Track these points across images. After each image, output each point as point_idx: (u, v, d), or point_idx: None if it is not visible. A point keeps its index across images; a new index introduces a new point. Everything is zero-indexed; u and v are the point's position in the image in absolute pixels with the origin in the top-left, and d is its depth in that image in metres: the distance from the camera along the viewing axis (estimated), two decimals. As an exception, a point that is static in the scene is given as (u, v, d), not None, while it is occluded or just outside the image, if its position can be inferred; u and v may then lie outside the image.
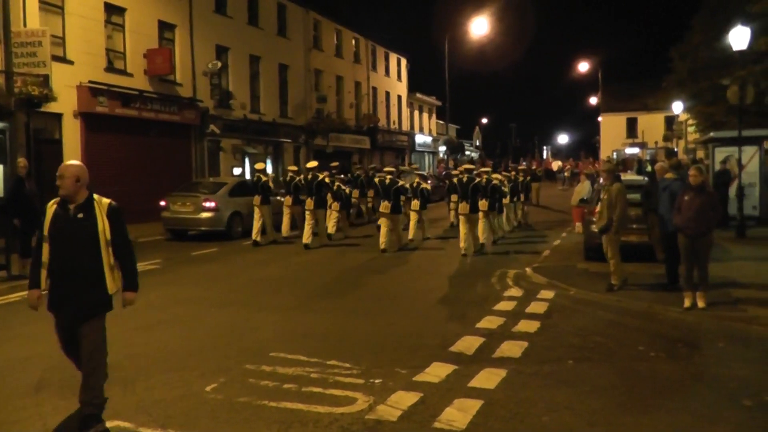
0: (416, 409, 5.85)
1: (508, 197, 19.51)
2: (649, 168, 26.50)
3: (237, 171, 29.95)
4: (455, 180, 16.67)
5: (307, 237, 17.01)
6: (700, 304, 9.55)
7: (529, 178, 24.87)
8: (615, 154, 61.22)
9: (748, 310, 9.44)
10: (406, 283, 12.52)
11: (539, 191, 31.86)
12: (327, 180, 17.88)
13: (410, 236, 17.97)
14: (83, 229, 5.29)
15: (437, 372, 6.81)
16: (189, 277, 13.27)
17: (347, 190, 20.38)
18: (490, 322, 8.98)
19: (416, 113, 57.18)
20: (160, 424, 5.55)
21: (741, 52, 17.29)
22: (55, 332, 5.51)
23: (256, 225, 17.92)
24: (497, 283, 12.13)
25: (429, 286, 12.05)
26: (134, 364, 7.16)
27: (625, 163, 45.25)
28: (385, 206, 16.61)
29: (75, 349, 5.43)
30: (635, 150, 60.41)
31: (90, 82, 21.49)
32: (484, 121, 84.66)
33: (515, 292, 11.18)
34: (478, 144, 64.70)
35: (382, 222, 16.60)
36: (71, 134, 21.25)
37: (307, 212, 17.31)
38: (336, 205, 18.87)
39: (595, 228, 11.17)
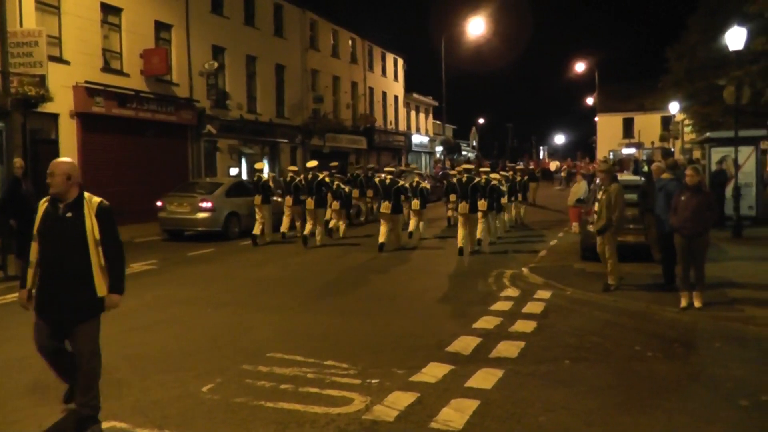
0: (413, 409, 5.84)
1: (506, 197, 19.57)
2: (645, 168, 26.55)
3: (234, 171, 29.94)
4: (454, 180, 16.75)
5: (317, 234, 17.30)
6: (697, 304, 9.56)
7: (526, 177, 24.93)
8: (612, 154, 61.27)
9: (744, 310, 9.45)
10: (403, 283, 12.52)
11: (537, 191, 31.94)
12: (327, 179, 17.98)
13: (417, 236, 18.26)
14: (72, 228, 5.16)
15: (434, 372, 6.81)
16: (186, 277, 13.26)
17: (347, 189, 20.45)
18: (486, 322, 8.98)
19: (413, 113, 57.19)
20: (157, 424, 5.54)
21: (737, 53, 17.32)
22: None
23: (258, 224, 18.10)
24: (494, 283, 12.14)
25: (426, 286, 12.05)
26: (131, 365, 7.14)
27: (621, 163, 45.25)
28: (386, 206, 16.71)
29: (54, 350, 5.30)
30: (632, 150, 60.49)
31: (86, 82, 21.44)
32: (481, 121, 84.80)
33: (512, 292, 11.19)
34: (474, 144, 64.63)
35: (383, 222, 16.71)
36: (68, 134, 21.20)
37: (308, 212, 17.46)
38: (336, 204, 18.92)
39: (593, 228, 11.15)
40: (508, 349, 7.69)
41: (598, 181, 11.79)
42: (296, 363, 7.13)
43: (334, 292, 11.49)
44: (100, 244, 5.20)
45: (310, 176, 17.53)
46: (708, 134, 21.86)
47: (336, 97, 41.55)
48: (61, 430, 5.44)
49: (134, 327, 8.84)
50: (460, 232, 15.82)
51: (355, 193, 23.32)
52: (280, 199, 19.61)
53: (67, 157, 5.55)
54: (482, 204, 16.16)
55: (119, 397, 6.14)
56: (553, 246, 17.01)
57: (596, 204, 11.11)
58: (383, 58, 50.27)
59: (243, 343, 8.06)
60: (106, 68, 22.92)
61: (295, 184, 18.34)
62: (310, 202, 17.27)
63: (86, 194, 5.31)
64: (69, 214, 5.19)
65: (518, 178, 22.42)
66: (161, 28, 25.95)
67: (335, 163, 25.55)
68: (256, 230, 18.02)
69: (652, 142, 57.14)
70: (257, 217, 18.15)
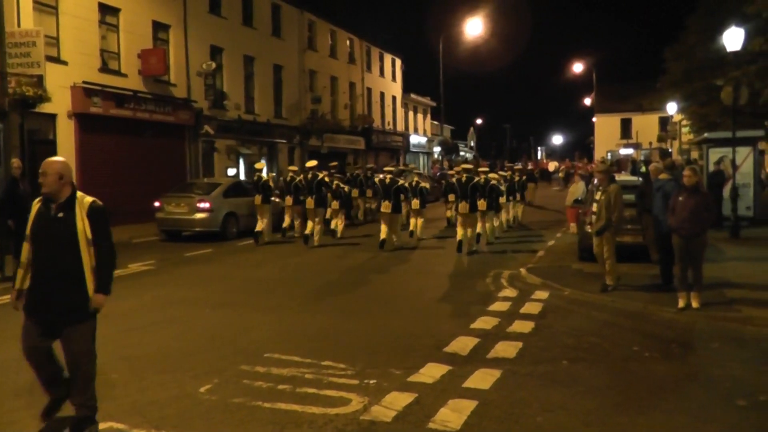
0: (411, 409, 5.84)
1: (504, 197, 19.63)
2: (643, 169, 26.58)
3: (231, 172, 29.93)
4: (454, 180, 16.84)
5: (315, 234, 17.34)
6: (695, 304, 9.56)
7: (524, 177, 24.97)
8: (609, 154, 61.33)
9: (742, 310, 9.46)
10: (401, 284, 12.53)
11: (535, 191, 31.99)
12: (327, 179, 18.13)
13: (417, 236, 18.40)
14: (63, 228, 5.08)
15: (432, 372, 6.81)
16: (183, 278, 13.24)
17: (346, 189, 20.53)
18: (484, 323, 8.98)
19: (411, 114, 57.21)
20: (154, 425, 5.53)
21: (735, 53, 17.33)
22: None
23: (260, 222, 18.28)
24: (492, 283, 12.14)
25: (424, 286, 12.06)
26: (128, 366, 7.13)
27: (619, 163, 45.32)
28: (385, 206, 16.85)
29: (42, 354, 5.20)
30: (629, 151, 60.56)
31: (84, 82, 21.42)
32: (479, 121, 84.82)
33: (510, 292, 11.19)
34: (472, 145, 64.64)
35: (383, 221, 16.85)
36: (65, 135, 21.17)
37: (308, 212, 17.61)
38: (335, 204, 19.01)
39: (592, 229, 11.13)
40: (506, 349, 7.69)
41: (596, 181, 11.78)
42: (294, 363, 7.12)
43: (331, 292, 11.48)
44: (91, 244, 5.12)
45: (309, 176, 17.66)
46: (706, 135, 21.88)
47: (334, 97, 41.54)
48: (58, 430, 5.43)
49: (132, 327, 8.83)
50: (460, 231, 15.95)
51: (355, 192, 23.46)
52: (277, 200, 19.66)
53: (60, 157, 5.46)
54: (482, 204, 16.24)
55: (117, 397, 6.13)
56: (551, 246, 17.01)
57: (594, 204, 11.09)
58: (381, 59, 50.29)
59: (241, 344, 8.05)
60: (104, 68, 22.89)
61: (295, 184, 18.52)
62: (310, 202, 17.41)
63: (79, 194, 5.24)
64: (61, 215, 5.12)
65: (516, 179, 22.45)
66: (159, 28, 25.93)
67: (334, 163, 25.63)
68: (259, 227, 18.12)
69: (650, 143, 57.22)
70: (258, 216, 18.28)
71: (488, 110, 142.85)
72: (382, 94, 50.00)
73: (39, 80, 18.50)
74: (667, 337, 8.41)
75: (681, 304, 9.63)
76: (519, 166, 33.26)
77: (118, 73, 23.47)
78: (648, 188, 11.86)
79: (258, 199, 18.29)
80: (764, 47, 21.39)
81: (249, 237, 18.78)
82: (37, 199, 5.28)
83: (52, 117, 20.67)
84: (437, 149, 57.80)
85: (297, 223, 19.22)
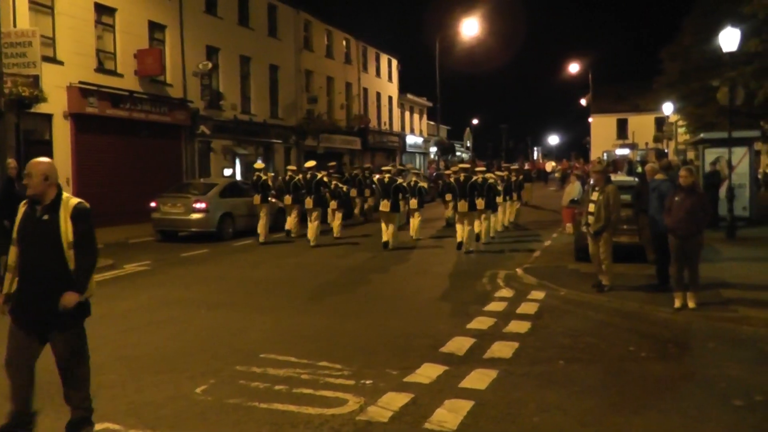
0: (407, 410, 5.84)
1: (501, 196, 19.69)
2: (639, 169, 26.58)
3: (227, 172, 29.89)
4: (452, 179, 16.93)
5: (313, 236, 17.45)
6: (691, 304, 9.57)
7: (521, 177, 25.01)
8: (605, 155, 61.32)
9: (738, 310, 9.47)
10: (398, 284, 12.53)
11: (532, 191, 32.04)
12: (325, 179, 18.31)
13: (415, 235, 18.57)
14: (48, 231, 4.97)
15: (428, 373, 6.81)
16: (179, 278, 13.22)
17: (344, 189, 20.60)
18: (481, 323, 8.98)
19: (407, 114, 57.22)
20: (150, 426, 5.52)
21: (731, 54, 17.35)
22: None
23: (261, 222, 18.43)
24: (488, 283, 12.14)
25: (420, 286, 12.06)
26: (124, 366, 7.12)
27: (615, 164, 45.34)
28: (384, 205, 17.08)
29: (23, 361, 5.05)
30: (626, 151, 60.57)
31: (80, 82, 21.39)
32: (475, 122, 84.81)
33: (506, 292, 11.19)
34: (469, 145, 64.74)
35: (383, 221, 17.02)
36: (61, 135, 21.15)
37: (307, 211, 17.80)
38: (334, 204, 19.07)
39: (591, 229, 11.12)
40: (503, 349, 7.69)
41: (591, 181, 11.78)
42: (290, 364, 7.12)
43: (328, 293, 11.47)
44: (71, 246, 4.99)
45: (308, 176, 17.84)
46: (702, 135, 21.92)
47: (330, 97, 41.52)
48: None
49: (128, 328, 8.82)
50: (459, 230, 16.12)
51: (353, 192, 23.61)
52: (274, 200, 19.69)
53: (45, 157, 5.24)
54: (480, 203, 16.36)
55: (113, 398, 6.12)
56: (547, 246, 17.03)
57: (591, 205, 11.09)
58: (377, 59, 50.27)
59: (237, 344, 8.04)
60: (100, 69, 22.86)
61: (294, 183, 18.64)
62: (309, 202, 17.63)
63: (65, 195, 5.12)
64: (46, 217, 5.01)
65: (513, 178, 22.48)
66: (155, 28, 25.90)
67: (333, 163, 25.70)
68: (288, 226, 18.67)
69: (646, 143, 57.30)
70: (261, 215, 18.47)
71: (484, 110, 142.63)
72: (379, 95, 50.00)
73: (35, 80, 18.46)
74: (663, 337, 8.42)
75: (677, 304, 9.64)
76: (516, 166, 33.30)
77: (114, 73, 23.44)
78: (644, 188, 11.86)
79: (257, 198, 18.42)
80: (760, 48, 21.42)
81: (245, 237, 18.81)
82: (24, 202, 5.19)
83: (48, 117, 20.63)
84: (433, 149, 57.78)
85: (295, 221, 19.28)
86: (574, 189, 19.65)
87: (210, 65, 28.12)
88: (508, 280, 12.34)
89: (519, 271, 13.14)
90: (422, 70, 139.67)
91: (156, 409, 5.91)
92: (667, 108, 38.26)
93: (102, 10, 23.19)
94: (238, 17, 31.69)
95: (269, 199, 19.14)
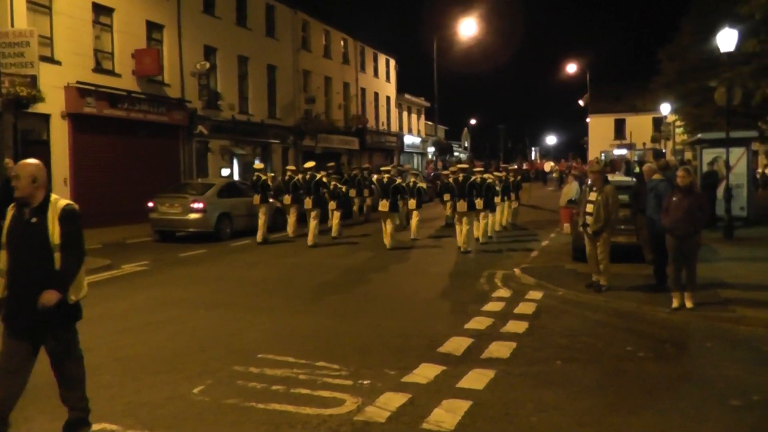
0: (405, 410, 5.83)
1: (499, 196, 19.73)
2: (637, 169, 26.60)
3: (225, 172, 29.88)
4: (451, 179, 16.98)
5: (311, 236, 17.45)
6: (688, 304, 9.57)
7: (519, 177, 25.06)
8: (603, 155, 61.35)
9: (735, 310, 9.48)
10: (396, 284, 12.52)
11: (530, 191, 32.08)
12: (324, 179, 18.39)
13: (413, 235, 18.61)
14: (37, 233, 4.89)
15: (426, 373, 6.80)
16: (177, 278, 13.20)
17: (343, 189, 20.63)
18: (478, 323, 8.98)
19: (405, 114, 57.22)
20: (148, 426, 5.52)
21: (729, 54, 17.37)
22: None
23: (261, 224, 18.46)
24: (486, 283, 12.14)
25: (418, 286, 12.06)
26: (121, 367, 7.10)
27: (613, 164, 45.37)
28: (383, 204, 17.18)
29: (14, 367, 4.98)
30: (623, 151, 60.58)
31: (78, 82, 21.38)
32: (473, 122, 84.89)
33: (504, 292, 11.19)
34: (466, 145, 64.74)
35: (383, 220, 17.09)
36: (59, 135, 21.14)
37: (306, 211, 17.87)
38: (333, 204, 19.11)
39: (589, 230, 11.11)
40: (500, 349, 7.69)
41: (589, 182, 11.78)
42: (287, 364, 7.11)
43: (326, 293, 11.46)
44: (58, 249, 4.92)
45: (308, 176, 17.92)
46: (699, 135, 21.95)
47: (328, 97, 41.54)
48: (50, 432, 5.40)
49: (126, 328, 8.80)
50: (459, 230, 16.16)
51: (352, 192, 23.65)
52: (272, 200, 19.69)
53: (33, 159, 5.16)
54: (479, 202, 16.48)
55: (110, 398, 6.11)
56: (545, 246, 17.04)
57: (589, 205, 11.08)
58: (375, 59, 50.28)
59: (234, 345, 8.03)
60: (98, 68, 22.86)
61: (294, 183, 18.68)
62: (308, 202, 17.75)
63: (53, 197, 5.05)
64: (34, 219, 4.94)
65: (511, 179, 22.50)
66: (153, 28, 25.90)
67: (332, 164, 25.74)
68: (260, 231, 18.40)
69: (644, 143, 57.29)
70: (261, 215, 18.52)
71: (482, 111, 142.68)
72: (376, 95, 50.00)
73: (32, 80, 18.43)
74: (660, 337, 8.43)
75: (675, 304, 9.64)
76: (514, 166, 33.35)
77: (111, 73, 23.43)
78: (642, 189, 11.86)
79: (257, 198, 18.45)
80: (758, 48, 21.42)
81: (243, 237, 18.80)
82: (12, 204, 5.11)
83: (46, 117, 20.63)
84: (431, 149, 57.81)
85: (293, 220, 19.33)
86: (571, 189, 19.65)
87: (208, 65, 28.12)
88: (505, 280, 12.34)
89: (517, 271, 13.14)
90: (420, 70, 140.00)
91: (153, 409, 5.90)
92: (665, 108, 38.29)
93: (100, 10, 23.18)
94: (236, 17, 31.70)
95: (268, 199, 19.17)
